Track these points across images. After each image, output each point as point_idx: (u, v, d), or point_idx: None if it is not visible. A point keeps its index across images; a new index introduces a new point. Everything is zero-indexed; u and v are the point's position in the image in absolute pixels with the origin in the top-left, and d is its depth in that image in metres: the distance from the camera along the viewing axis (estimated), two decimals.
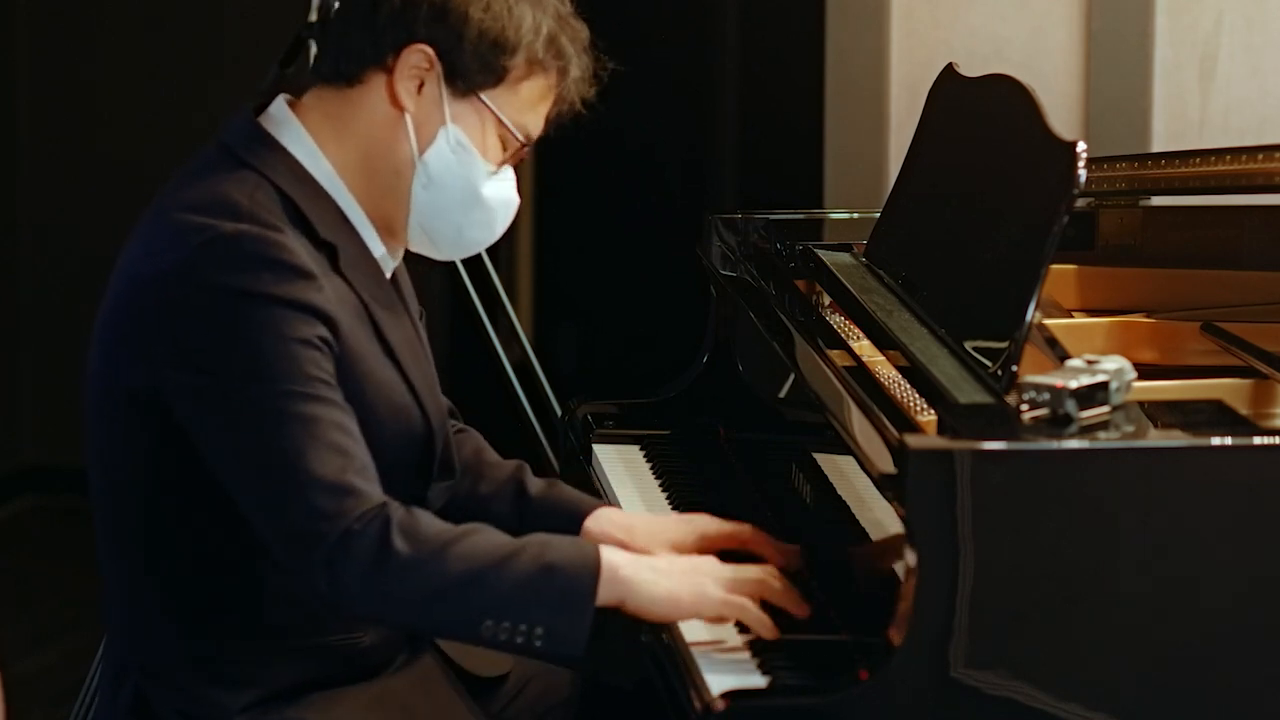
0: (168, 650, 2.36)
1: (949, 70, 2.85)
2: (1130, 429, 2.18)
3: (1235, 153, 2.91)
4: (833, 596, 2.42)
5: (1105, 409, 2.20)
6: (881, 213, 2.90)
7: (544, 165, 5.21)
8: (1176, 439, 2.18)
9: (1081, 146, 2.37)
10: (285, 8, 3.88)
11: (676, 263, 3.86)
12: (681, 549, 2.49)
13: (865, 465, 2.28)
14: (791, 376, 2.68)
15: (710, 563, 2.35)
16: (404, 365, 2.39)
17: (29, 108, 5.75)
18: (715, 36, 5.28)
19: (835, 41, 4.07)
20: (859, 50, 4.03)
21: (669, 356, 3.36)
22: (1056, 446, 2.14)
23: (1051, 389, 2.18)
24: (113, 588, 2.40)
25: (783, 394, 2.77)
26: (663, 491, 2.83)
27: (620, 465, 2.94)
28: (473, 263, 3.52)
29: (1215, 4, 3.84)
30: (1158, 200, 3.17)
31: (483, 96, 2.38)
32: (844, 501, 2.47)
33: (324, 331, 2.27)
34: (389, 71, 2.36)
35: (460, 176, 2.40)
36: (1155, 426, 2.20)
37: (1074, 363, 2.23)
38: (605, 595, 2.25)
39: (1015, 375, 2.27)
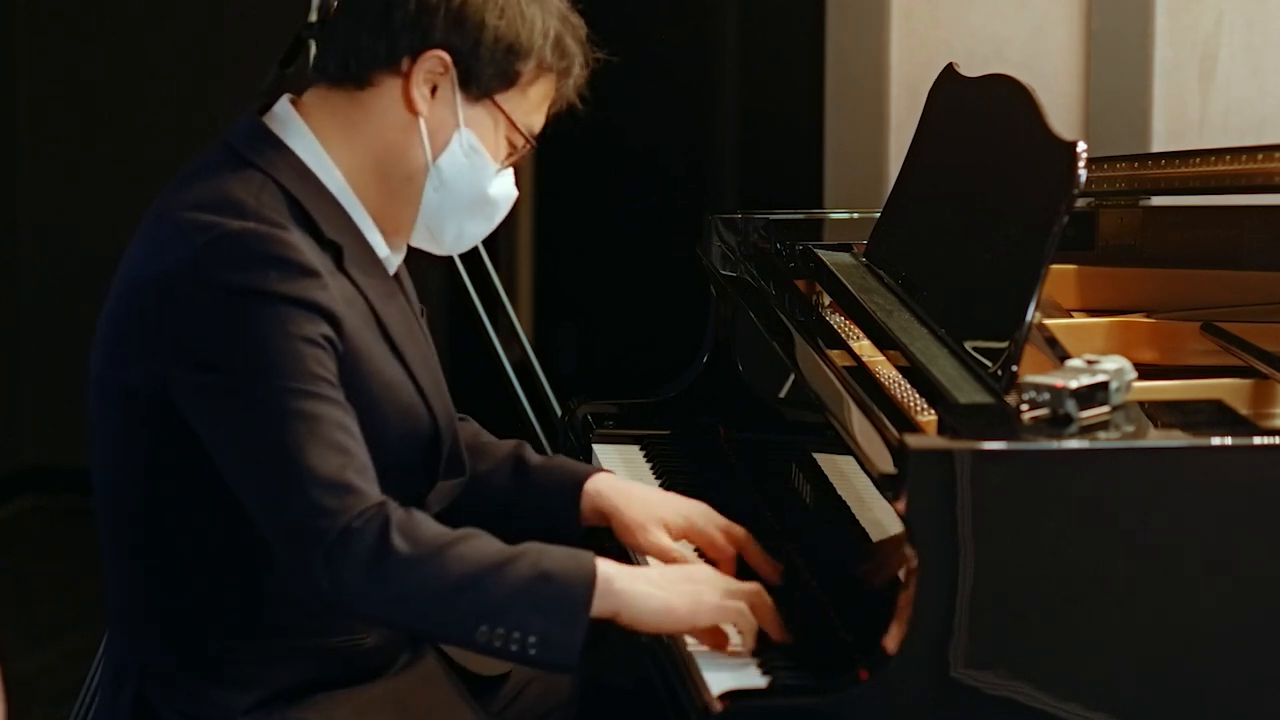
0: (169, 650, 2.36)
1: (949, 70, 2.85)
2: (1130, 429, 2.18)
3: (1235, 153, 2.91)
4: (833, 596, 2.42)
5: (1105, 409, 2.20)
6: (881, 213, 2.90)
7: (544, 165, 5.22)
8: (1176, 439, 2.18)
9: (1081, 146, 2.37)
10: (285, 8, 3.88)
11: (676, 263, 3.86)
12: (670, 526, 2.51)
13: (865, 465, 2.28)
14: (791, 376, 2.68)
15: (705, 570, 2.35)
16: (410, 363, 2.39)
17: (29, 108, 5.75)
18: (715, 36, 5.28)
19: (835, 41, 4.07)
20: (859, 50, 4.03)
21: (669, 356, 3.36)
22: (1056, 446, 2.14)
23: (1051, 389, 2.18)
24: (114, 587, 2.40)
25: (783, 394, 2.77)
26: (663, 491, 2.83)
27: (620, 465, 2.94)
28: (473, 262, 3.52)
29: (1215, 4, 3.84)
30: (1158, 200, 3.17)
31: (496, 100, 2.38)
32: (844, 501, 2.47)
33: (328, 330, 2.27)
34: (403, 76, 2.36)
35: (471, 179, 2.40)
36: (1155, 426, 2.20)
37: (1074, 363, 2.23)
38: (600, 607, 2.24)
39: (1015, 375, 2.27)
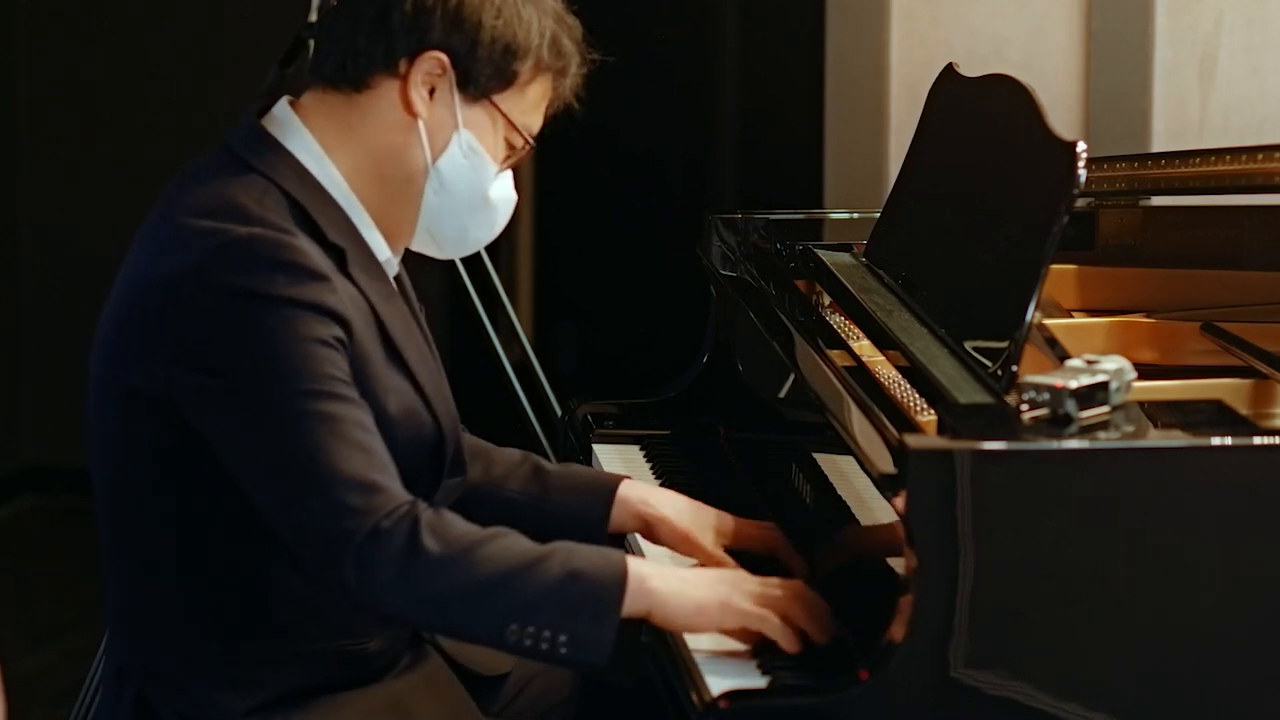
0: (170, 651, 2.36)
1: (949, 70, 2.85)
2: (1130, 429, 2.18)
3: (1235, 153, 2.92)
4: (833, 597, 2.41)
5: (1105, 409, 2.20)
6: (881, 213, 2.90)
7: (544, 165, 5.21)
8: (1176, 439, 2.18)
9: (1081, 146, 2.37)
10: (285, 8, 3.88)
11: (676, 263, 3.86)
12: (721, 533, 2.52)
13: (865, 465, 2.28)
14: (791, 376, 2.68)
15: (738, 573, 2.34)
16: (412, 366, 2.39)
17: (29, 108, 5.75)
18: (715, 36, 5.28)
19: (835, 41, 4.07)
20: (859, 50, 4.03)
21: (669, 356, 3.36)
22: (1056, 446, 2.14)
23: (1051, 389, 2.18)
24: (115, 588, 2.40)
25: (783, 394, 2.77)
26: None
27: (620, 465, 2.94)
28: (473, 263, 3.52)
29: (1215, 4, 3.84)
30: (1158, 200, 3.17)
31: (494, 100, 2.38)
32: (844, 501, 2.47)
33: (339, 332, 2.26)
34: (401, 77, 2.36)
35: (471, 181, 2.40)
36: (1155, 426, 2.20)
37: (1074, 363, 2.23)
38: (633, 606, 2.24)
39: (1015, 375, 2.27)
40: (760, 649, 2.27)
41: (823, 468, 2.56)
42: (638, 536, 2.59)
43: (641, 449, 3.01)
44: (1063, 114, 3.87)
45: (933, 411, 2.29)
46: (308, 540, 2.23)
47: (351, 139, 2.38)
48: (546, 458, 3.75)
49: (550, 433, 3.77)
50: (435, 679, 2.48)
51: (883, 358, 2.51)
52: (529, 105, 2.41)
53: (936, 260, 2.66)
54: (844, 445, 2.36)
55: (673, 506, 2.56)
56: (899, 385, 2.42)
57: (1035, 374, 2.22)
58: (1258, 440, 2.16)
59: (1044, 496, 2.11)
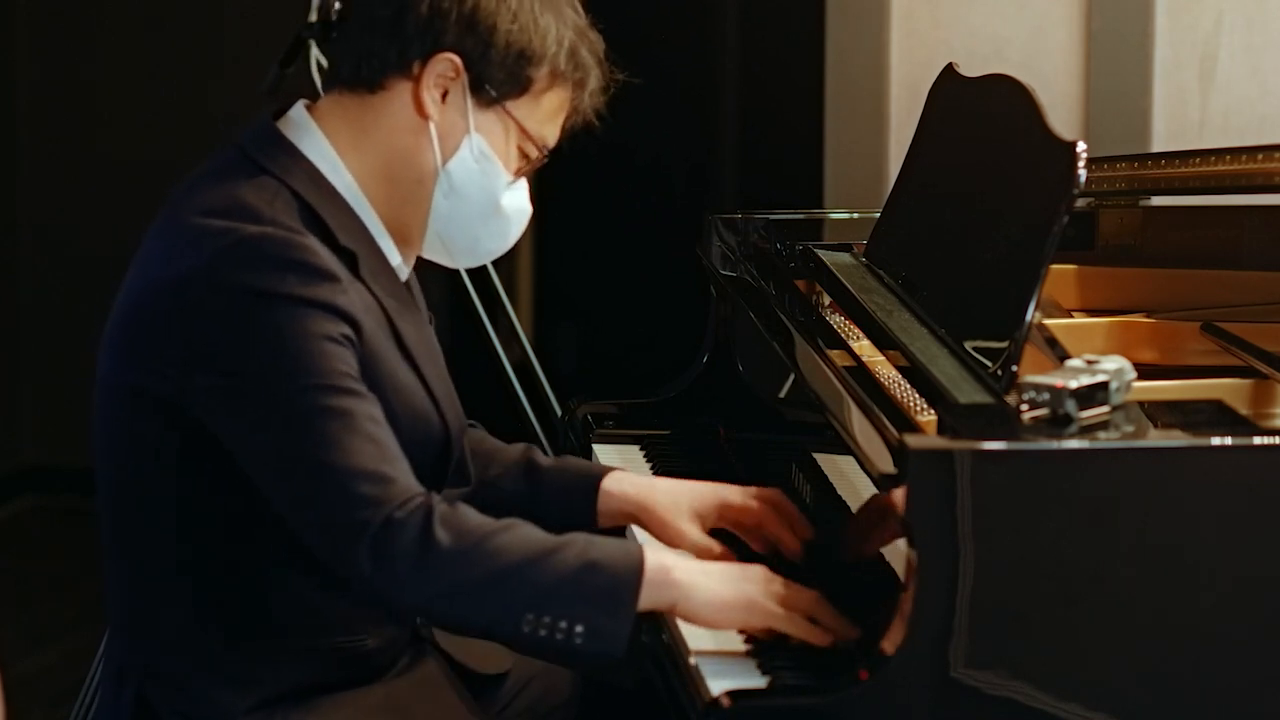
0: (171, 650, 2.36)
1: (949, 70, 2.85)
2: (1130, 429, 2.18)
3: (1235, 153, 2.91)
4: (833, 596, 2.41)
5: (1105, 409, 2.20)
6: (881, 213, 2.90)
7: (544, 166, 5.21)
8: (1176, 439, 2.18)
9: (1081, 146, 2.37)
10: (285, 8, 3.88)
11: (676, 263, 3.86)
12: (703, 515, 2.51)
13: (865, 465, 2.28)
14: (791, 376, 2.68)
15: (761, 571, 2.34)
16: (423, 371, 2.39)
17: (29, 108, 5.75)
18: (715, 37, 5.28)
19: (835, 41, 4.07)
20: (859, 50, 4.03)
21: (669, 356, 3.36)
22: (1056, 446, 2.14)
23: (1051, 389, 2.18)
24: (116, 586, 2.40)
25: (783, 394, 2.77)
26: None
27: (620, 465, 2.94)
28: None
29: (1215, 4, 3.84)
30: (1158, 200, 3.17)
31: (506, 106, 2.38)
32: (844, 501, 2.47)
33: (348, 330, 2.27)
34: (414, 79, 2.36)
35: (481, 186, 2.40)
36: (1155, 426, 2.20)
37: (1074, 363, 2.23)
38: (657, 598, 2.24)
39: (1015, 375, 2.27)
40: (760, 649, 2.27)
41: (823, 468, 2.56)
42: (634, 528, 2.59)
43: (641, 449, 3.01)
44: (1063, 114, 3.87)
45: (933, 411, 2.29)
46: (323, 535, 2.23)
47: (364, 141, 2.38)
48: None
49: (550, 433, 3.78)
50: (435, 679, 2.48)
51: (883, 358, 2.51)
52: (544, 115, 2.41)
53: (936, 260, 2.66)
54: (844, 445, 2.36)
55: (651, 496, 2.54)
56: (899, 385, 2.42)
57: (1035, 374, 2.22)
58: (1258, 440, 2.16)
59: (1044, 496, 2.11)
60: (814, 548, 2.52)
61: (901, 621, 2.11)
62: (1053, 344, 2.45)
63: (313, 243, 2.28)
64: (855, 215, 3.26)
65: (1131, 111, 3.85)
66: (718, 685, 2.18)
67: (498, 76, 2.37)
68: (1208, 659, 2.15)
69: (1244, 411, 2.31)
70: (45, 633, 4.80)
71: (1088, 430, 2.16)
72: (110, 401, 2.35)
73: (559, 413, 3.62)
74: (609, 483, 2.56)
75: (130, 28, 5.69)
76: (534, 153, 2.43)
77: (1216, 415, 2.25)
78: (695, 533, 2.51)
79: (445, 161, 2.38)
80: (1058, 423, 2.17)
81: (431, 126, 2.37)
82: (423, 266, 2.52)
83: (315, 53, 3.39)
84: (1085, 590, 2.12)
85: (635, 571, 2.23)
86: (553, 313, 5.52)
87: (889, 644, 2.12)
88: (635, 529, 2.59)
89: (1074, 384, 2.18)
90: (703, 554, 2.47)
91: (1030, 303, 2.31)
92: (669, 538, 2.52)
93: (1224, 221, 3.08)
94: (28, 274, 5.79)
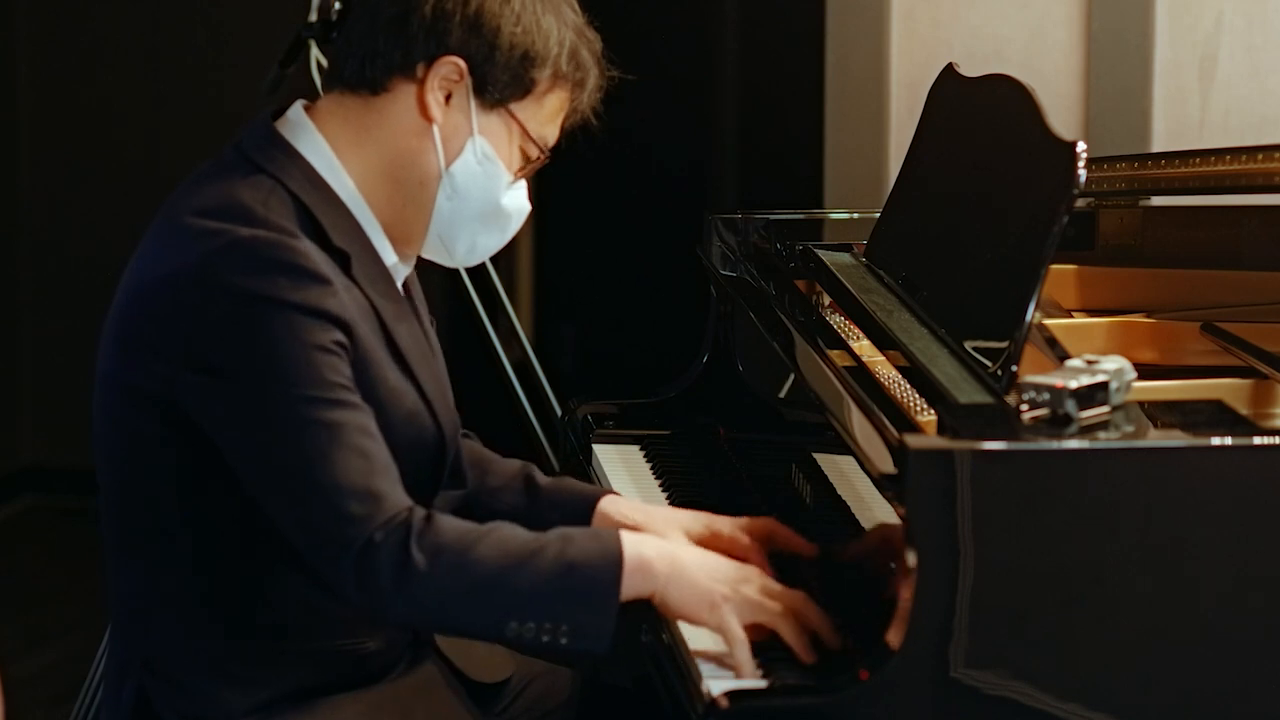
0: (172, 649, 2.36)
1: (949, 70, 2.85)
2: (1130, 429, 2.18)
3: (1235, 153, 2.92)
4: (833, 597, 2.41)
5: (1105, 409, 2.20)
6: (881, 213, 2.90)
7: (545, 165, 5.21)
8: (1176, 439, 2.17)
9: (1081, 146, 2.37)
10: (285, 8, 3.89)
11: (676, 263, 3.86)
12: (691, 537, 2.49)
13: (865, 465, 2.28)
14: (791, 376, 2.68)
15: (752, 569, 2.34)
16: (416, 373, 2.39)
17: (29, 108, 5.75)
18: (715, 37, 5.28)
19: (835, 41, 4.07)
20: (859, 50, 4.03)
21: (669, 356, 3.36)
22: (1056, 446, 2.14)
23: (1051, 389, 2.18)
24: (118, 585, 2.40)
25: (783, 394, 2.77)
26: (663, 491, 2.83)
27: (620, 465, 2.94)
28: None
29: (1215, 4, 3.84)
30: (1158, 200, 3.17)
31: (510, 108, 2.38)
32: (844, 501, 2.47)
33: (341, 337, 2.27)
34: (418, 82, 2.36)
35: (484, 188, 2.40)
36: (1155, 426, 2.20)
37: (1074, 363, 2.23)
38: (635, 588, 2.25)
39: (1015, 375, 2.27)
40: (760, 649, 2.27)
41: (823, 468, 2.56)
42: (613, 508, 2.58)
43: (641, 449, 3.01)
44: (1063, 114, 3.87)
45: (933, 411, 2.29)
46: (309, 547, 2.25)
47: (366, 142, 2.38)
48: (547, 458, 3.77)
49: (550, 433, 3.78)
50: (435, 681, 2.48)
51: (883, 358, 2.51)
52: (546, 116, 2.41)
53: (936, 260, 2.66)
54: (844, 445, 2.36)
55: (645, 514, 2.54)
56: (899, 385, 2.42)
57: (1035, 374, 2.21)
58: (1258, 440, 2.16)
59: (1044, 496, 2.11)
60: (816, 558, 2.51)
61: (901, 622, 2.11)
62: (1053, 344, 2.45)
63: (305, 245, 2.28)
64: (855, 215, 3.26)
65: (1131, 111, 3.85)
66: (717, 685, 2.18)
67: (501, 78, 2.37)
68: (1208, 659, 2.15)
69: (1244, 411, 2.31)
70: (45, 633, 4.79)
71: (1088, 430, 2.16)
72: (109, 400, 2.35)
73: (559, 413, 3.62)
74: (606, 504, 2.56)
75: (130, 28, 5.68)
76: (535, 153, 2.43)
77: (1216, 415, 2.25)
78: (681, 541, 2.51)
79: (449, 164, 2.38)
80: (1058, 423, 2.17)
81: (435, 129, 2.37)
82: (423, 266, 2.52)
83: (315, 53, 3.39)
84: (1085, 590, 2.12)
85: (614, 567, 2.24)
86: (553, 313, 5.52)
87: (889, 644, 2.12)
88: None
89: (1074, 384, 2.18)
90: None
91: (1030, 303, 2.31)
92: None
93: (1224, 221, 3.08)
94: (28, 274, 5.79)
